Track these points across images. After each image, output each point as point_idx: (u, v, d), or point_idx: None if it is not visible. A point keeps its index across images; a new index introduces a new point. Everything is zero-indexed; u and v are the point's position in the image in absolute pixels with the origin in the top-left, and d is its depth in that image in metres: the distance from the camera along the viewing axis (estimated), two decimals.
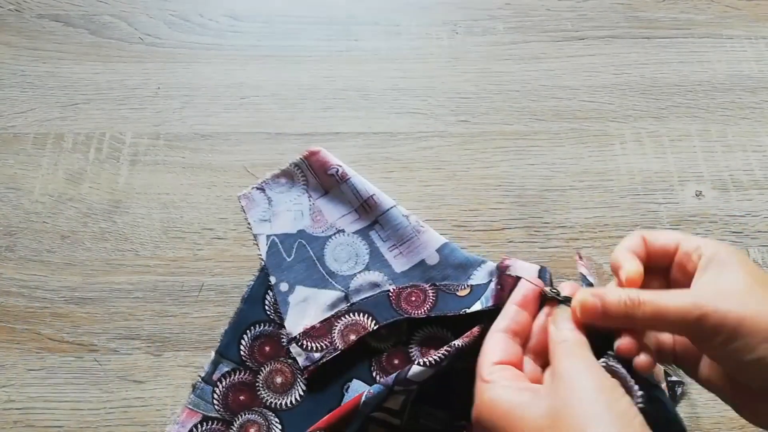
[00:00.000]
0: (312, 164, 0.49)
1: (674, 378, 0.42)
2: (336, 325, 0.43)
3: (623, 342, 0.30)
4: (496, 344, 0.33)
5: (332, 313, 0.43)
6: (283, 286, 0.44)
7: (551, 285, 0.36)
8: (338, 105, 0.53)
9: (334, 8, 0.59)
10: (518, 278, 0.36)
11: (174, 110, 0.52)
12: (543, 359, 0.32)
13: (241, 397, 0.42)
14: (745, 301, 0.27)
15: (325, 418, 0.37)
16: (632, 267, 0.31)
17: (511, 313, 0.34)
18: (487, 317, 0.36)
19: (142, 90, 0.53)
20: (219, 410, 0.41)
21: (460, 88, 0.54)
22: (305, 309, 0.43)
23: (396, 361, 0.42)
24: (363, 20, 0.58)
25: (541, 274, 0.37)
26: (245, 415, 0.41)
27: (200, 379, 0.42)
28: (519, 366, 0.32)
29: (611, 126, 0.52)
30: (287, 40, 0.57)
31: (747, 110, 0.53)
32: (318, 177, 0.48)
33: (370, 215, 0.47)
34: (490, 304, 0.39)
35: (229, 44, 0.56)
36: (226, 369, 0.42)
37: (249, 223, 0.47)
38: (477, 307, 0.40)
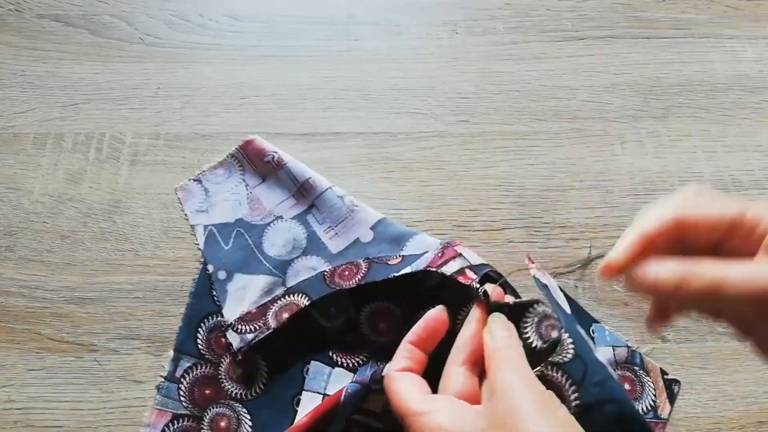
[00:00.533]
0: (248, 153, 0.49)
1: (670, 376, 0.42)
2: (271, 308, 0.43)
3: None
4: (405, 384, 0.32)
5: (269, 298, 0.44)
6: (221, 274, 0.45)
7: (488, 282, 0.35)
8: (338, 105, 0.53)
9: (334, 8, 0.59)
10: (459, 254, 0.37)
11: (174, 110, 0.52)
12: (479, 368, 0.31)
13: (207, 391, 0.42)
14: None
15: (304, 419, 0.37)
16: (619, 253, 0.27)
17: (407, 353, 0.33)
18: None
19: (142, 90, 0.53)
20: (187, 406, 0.41)
21: (460, 88, 0.54)
22: (243, 296, 0.44)
23: (348, 338, 0.43)
24: (363, 20, 0.58)
25: (479, 269, 0.36)
26: (213, 408, 0.41)
27: (163, 379, 0.42)
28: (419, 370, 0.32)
29: (611, 126, 0.52)
30: (287, 40, 0.57)
31: (747, 110, 0.53)
32: (255, 165, 0.49)
33: (307, 199, 0.47)
34: (420, 268, 0.39)
35: (229, 44, 0.56)
36: (188, 364, 0.42)
37: (186, 215, 0.47)
38: (406, 270, 0.39)
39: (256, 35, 0.57)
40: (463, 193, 0.49)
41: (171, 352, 0.43)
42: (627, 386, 0.42)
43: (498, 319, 0.32)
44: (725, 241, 0.27)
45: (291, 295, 0.43)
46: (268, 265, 0.45)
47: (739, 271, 0.25)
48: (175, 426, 0.40)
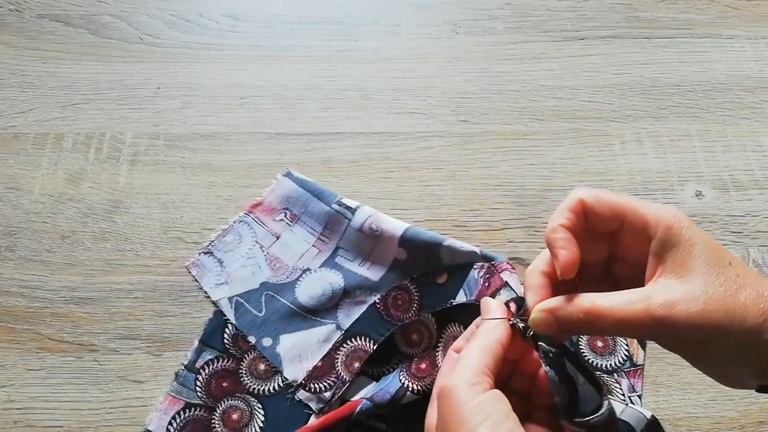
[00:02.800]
0: (258, 216, 0.47)
1: None
2: (337, 358, 0.42)
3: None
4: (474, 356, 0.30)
5: (330, 346, 0.42)
6: (266, 342, 0.43)
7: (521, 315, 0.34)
8: (338, 105, 0.53)
9: (334, 8, 0.59)
10: (506, 283, 0.36)
11: (174, 110, 0.52)
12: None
13: (224, 384, 0.41)
14: (706, 308, 0.26)
15: (315, 423, 0.37)
16: (566, 256, 0.29)
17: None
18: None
19: (142, 90, 0.53)
20: (202, 397, 0.41)
21: (460, 88, 0.54)
22: (299, 353, 0.42)
23: (423, 366, 0.40)
24: (363, 20, 0.58)
25: (521, 302, 0.36)
26: (228, 401, 0.41)
27: (183, 367, 0.42)
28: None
29: (611, 126, 0.52)
30: (287, 40, 0.57)
31: (747, 110, 0.53)
32: (266, 226, 0.47)
33: (329, 244, 0.46)
34: (473, 298, 0.39)
35: (229, 44, 0.56)
36: (209, 357, 0.42)
37: (205, 292, 0.45)
38: (461, 297, 0.40)
39: (256, 35, 0.57)
40: (463, 193, 0.49)
41: (195, 342, 0.42)
42: (600, 343, 0.42)
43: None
44: (621, 231, 0.30)
45: (353, 339, 0.42)
46: (314, 318, 0.43)
47: (633, 308, 0.27)
48: (186, 414, 0.40)
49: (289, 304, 0.44)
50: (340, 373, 0.41)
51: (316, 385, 0.41)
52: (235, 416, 0.41)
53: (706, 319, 0.26)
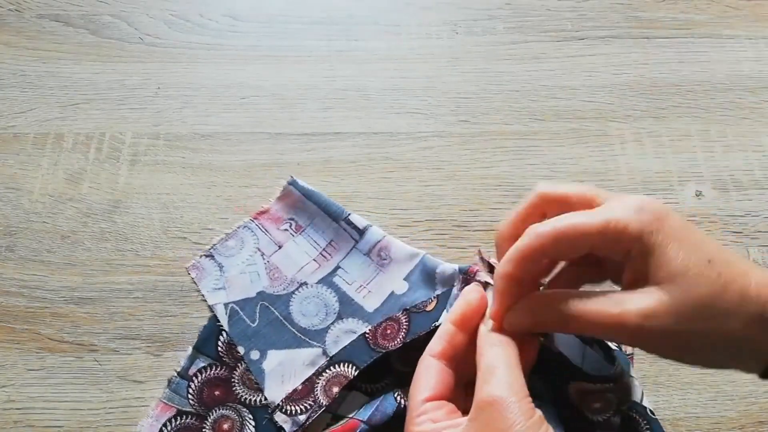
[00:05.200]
0: (263, 223, 0.47)
1: None
2: (317, 383, 0.41)
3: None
4: (428, 375, 0.30)
5: (313, 371, 0.41)
6: (254, 354, 0.42)
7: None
8: (338, 105, 0.53)
9: (334, 8, 0.59)
10: (486, 284, 0.35)
11: (174, 110, 0.52)
12: (456, 364, 0.31)
13: (216, 392, 0.41)
14: (680, 319, 0.25)
15: None
16: (498, 308, 0.29)
17: (446, 335, 0.31)
18: None
19: (142, 90, 0.53)
20: (193, 405, 0.41)
21: (460, 88, 0.54)
22: (282, 373, 0.41)
23: (374, 367, 0.40)
24: (363, 20, 0.58)
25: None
26: (219, 410, 0.41)
27: (176, 374, 0.42)
28: (450, 395, 0.30)
29: (611, 126, 0.52)
30: (287, 40, 0.57)
31: (747, 110, 0.53)
32: (270, 234, 0.47)
33: (331, 261, 0.45)
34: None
35: (229, 44, 0.56)
36: (203, 364, 0.42)
37: (203, 295, 0.44)
38: (444, 317, 0.39)
39: (256, 35, 0.57)
40: (463, 193, 0.49)
41: (189, 349, 0.42)
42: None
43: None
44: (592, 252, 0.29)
45: (336, 366, 0.41)
46: (303, 337, 0.43)
47: (608, 314, 0.26)
48: (178, 422, 0.40)
49: (282, 318, 0.43)
50: (318, 397, 0.40)
51: (292, 408, 0.40)
52: (225, 426, 0.40)
53: (682, 329, 0.25)
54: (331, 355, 0.42)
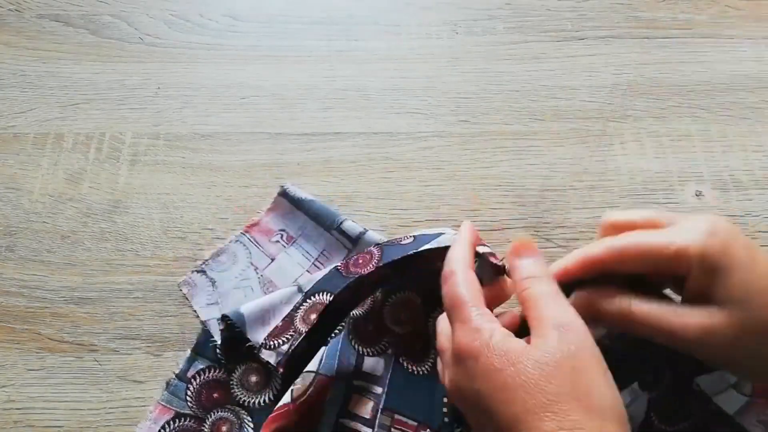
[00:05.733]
0: (254, 236, 0.47)
1: None
2: (296, 316, 0.41)
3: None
4: (472, 280, 0.30)
5: (291, 308, 0.41)
6: (228, 310, 0.42)
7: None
8: (338, 105, 0.53)
9: (334, 8, 0.59)
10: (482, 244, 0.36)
11: (174, 110, 0.52)
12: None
13: (215, 395, 0.41)
14: (738, 336, 0.26)
15: (293, 406, 0.37)
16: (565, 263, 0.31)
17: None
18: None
19: (142, 90, 0.53)
20: (192, 407, 0.41)
21: (460, 88, 0.54)
22: (262, 315, 0.41)
23: (370, 328, 0.41)
24: (363, 20, 0.58)
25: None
26: (218, 412, 0.41)
27: (174, 376, 0.42)
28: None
29: (611, 126, 0.52)
30: (287, 40, 0.57)
31: (747, 110, 0.53)
32: (262, 247, 0.46)
33: (324, 270, 0.45)
34: (444, 245, 0.37)
35: (229, 44, 0.56)
36: (201, 366, 0.42)
37: (195, 311, 0.44)
38: (426, 246, 0.38)
39: (256, 35, 0.57)
40: (463, 193, 0.49)
41: (188, 351, 0.42)
42: None
43: (525, 246, 0.31)
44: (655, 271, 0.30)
45: (312, 296, 0.41)
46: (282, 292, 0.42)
47: (673, 323, 0.27)
48: (176, 424, 0.40)
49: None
50: (297, 326, 0.40)
51: (274, 342, 0.40)
52: (224, 428, 0.40)
53: (740, 347, 0.26)
54: (305, 290, 0.41)
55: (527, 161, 0.50)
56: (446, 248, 0.35)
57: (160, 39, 0.56)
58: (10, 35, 0.56)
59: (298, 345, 0.39)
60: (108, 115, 0.52)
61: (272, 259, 0.46)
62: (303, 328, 0.40)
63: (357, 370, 0.39)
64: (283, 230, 0.47)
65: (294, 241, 0.46)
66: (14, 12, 0.57)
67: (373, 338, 0.41)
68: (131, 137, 0.51)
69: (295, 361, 0.39)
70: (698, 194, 0.49)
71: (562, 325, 0.26)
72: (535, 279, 0.29)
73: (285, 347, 0.40)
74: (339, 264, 0.42)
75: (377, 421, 0.38)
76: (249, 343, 0.40)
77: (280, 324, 0.41)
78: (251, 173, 0.50)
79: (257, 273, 0.45)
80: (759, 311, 0.26)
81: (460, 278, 0.30)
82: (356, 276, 0.39)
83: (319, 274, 0.42)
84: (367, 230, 0.45)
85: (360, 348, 0.40)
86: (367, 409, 0.39)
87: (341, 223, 0.46)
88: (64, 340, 0.43)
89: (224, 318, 0.41)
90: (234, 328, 0.41)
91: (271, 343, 0.40)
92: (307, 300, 0.41)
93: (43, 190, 0.49)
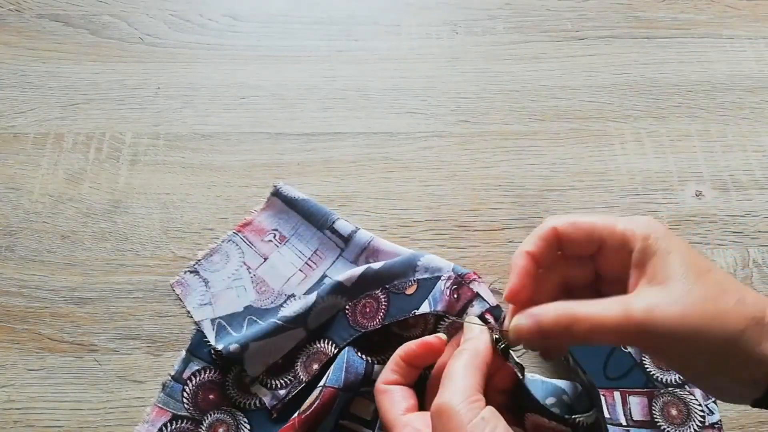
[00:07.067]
0: (246, 236, 0.47)
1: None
2: (298, 358, 0.41)
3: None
4: (395, 396, 0.34)
5: (293, 345, 0.41)
6: (234, 348, 0.41)
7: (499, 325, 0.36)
8: (338, 105, 0.53)
9: (334, 8, 0.59)
10: (477, 294, 0.37)
11: (174, 110, 0.52)
12: None
13: (211, 396, 0.41)
14: (685, 312, 0.26)
15: (300, 419, 0.37)
16: (513, 284, 0.30)
17: (397, 368, 0.35)
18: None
19: (142, 90, 0.53)
20: (188, 409, 0.41)
21: (460, 88, 0.54)
22: (262, 351, 0.41)
23: (376, 339, 0.41)
24: (363, 20, 0.58)
25: (497, 312, 0.38)
26: (214, 414, 0.41)
27: (170, 378, 0.41)
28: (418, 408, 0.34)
29: (611, 126, 0.52)
30: (287, 40, 0.57)
31: (747, 110, 0.53)
32: (254, 246, 0.46)
33: (317, 271, 0.45)
34: (438, 308, 0.39)
35: (229, 44, 0.56)
36: (197, 367, 0.42)
37: (188, 312, 0.44)
38: (425, 308, 0.39)
39: (256, 35, 0.57)
40: (463, 193, 0.49)
41: (183, 353, 0.42)
42: (674, 411, 0.40)
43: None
44: (601, 252, 0.31)
45: (317, 342, 0.41)
46: (285, 324, 0.41)
47: (612, 314, 0.27)
48: (173, 426, 0.40)
49: (267, 324, 0.42)
50: (298, 373, 0.40)
51: (273, 382, 0.40)
52: (221, 430, 0.40)
53: (685, 324, 0.26)
54: (311, 328, 0.41)
55: (527, 161, 0.50)
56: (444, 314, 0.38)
57: (160, 39, 0.56)
58: (10, 35, 0.56)
59: (297, 392, 0.40)
60: (108, 115, 0.52)
61: (265, 259, 0.46)
62: (304, 377, 0.40)
63: (366, 379, 0.39)
64: (275, 230, 0.47)
65: (287, 241, 0.46)
66: (14, 12, 0.57)
67: (380, 348, 0.41)
68: (131, 137, 0.51)
69: (290, 404, 0.40)
70: (698, 194, 0.49)
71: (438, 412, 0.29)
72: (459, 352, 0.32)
73: (283, 392, 0.40)
74: (347, 307, 0.42)
75: (378, 423, 0.38)
76: (244, 373, 0.41)
77: (280, 361, 0.41)
78: (251, 173, 0.50)
79: (250, 273, 0.45)
80: (699, 286, 0.27)
81: (382, 400, 0.34)
82: (362, 330, 0.40)
83: (324, 314, 0.42)
84: (358, 228, 0.46)
85: (369, 357, 0.40)
86: (368, 411, 0.39)
87: (334, 222, 0.46)
88: (64, 340, 0.43)
89: (217, 352, 0.41)
90: (228, 358, 0.41)
91: (270, 382, 0.41)
92: (311, 344, 0.41)
93: (43, 190, 0.49)
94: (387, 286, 0.42)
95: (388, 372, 0.35)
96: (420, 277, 0.41)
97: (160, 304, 0.44)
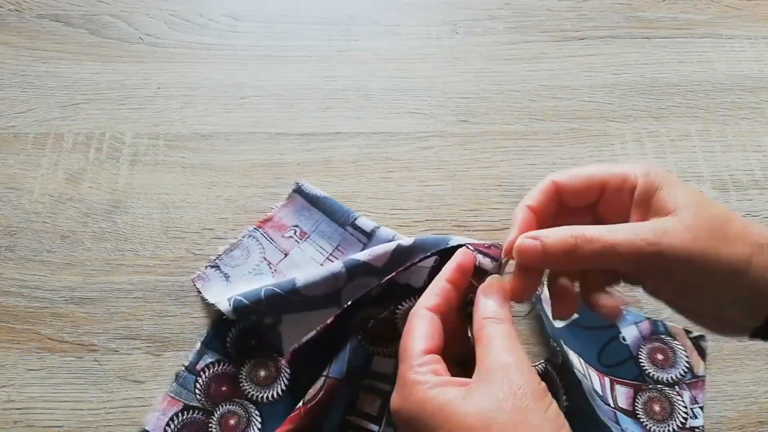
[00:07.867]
0: (267, 232, 0.47)
1: (694, 334, 0.43)
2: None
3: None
4: (425, 326, 0.30)
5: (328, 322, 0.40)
6: (268, 319, 0.41)
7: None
8: (338, 105, 0.53)
9: (334, 8, 0.59)
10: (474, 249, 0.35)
11: (174, 110, 0.52)
12: (447, 318, 0.31)
13: (223, 388, 0.41)
14: (696, 236, 0.27)
15: (304, 409, 0.37)
16: (512, 236, 0.30)
17: (441, 291, 0.31)
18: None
19: (142, 90, 0.53)
20: (200, 400, 0.41)
21: (460, 88, 0.54)
22: (299, 335, 0.40)
23: (383, 330, 0.40)
24: (363, 20, 0.58)
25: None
26: (226, 405, 0.41)
27: (184, 368, 0.42)
28: (442, 352, 0.30)
29: (611, 126, 0.52)
30: (287, 40, 0.57)
31: (747, 110, 0.53)
32: (275, 242, 0.46)
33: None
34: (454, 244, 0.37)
35: (229, 44, 0.56)
36: (211, 360, 0.42)
37: (210, 303, 0.43)
38: (429, 262, 0.38)
39: (256, 35, 0.57)
40: (463, 193, 0.49)
41: (198, 344, 0.42)
42: (660, 356, 0.43)
43: (495, 287, 0.31)
44: (600, 201, 0.31)
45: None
46: (317, 301, 0.41)
47: (624, 234, 0.27)
48: (185, 416, 0.40)
49: (286, 293, 0.41)
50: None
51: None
52: (232, 421, 0.41)
53: (697, 246, 0.26)
54: (343, 306, 0.40)
55: (527, 161, 0.50)
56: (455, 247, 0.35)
57: (160, 39, 0.56)
58: (10, 35, 0.56)
59: (310, 338, 0.39)
60: (108, 115, 0.52)
61: (285, 254, 0.46)
62: (319, 325, 0.39)
63: (367, 369, 0.39)
64: (296, 226, 0.47)
65: (308, 237, 0.47)
66: (14, 12, 0.57)
67: (386, 340, 0.40)
68: (131, 137, 0.51)
69: (303, 356, 0.39)
70: None
71: (503, 367, 0.27)
72: (493, 321, 0.29)
73: (295, 344, 0.39)
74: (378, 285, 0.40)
75: (384, 419, 0.38)
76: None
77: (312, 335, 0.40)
78: (251, 173, 0.50)
79: (270, 268, 0.45)
80: (709, 217, 0.27)
81: (413, 324, 0.30)
82: (369, 289, 0.39)
83: (359, 292, 0.40)
84: (379, 226, 0.46)
85: (372, 348, 0.40)
86: (374, 406, 0.39)
87: (355, 219, 0.46)
88: (64, 340, 0.43)
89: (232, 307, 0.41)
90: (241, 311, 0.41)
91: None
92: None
93: (43, 190, 0.49)
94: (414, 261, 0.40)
95: (428, 295, 0.32)
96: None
97: (160, 304, 0.44)
